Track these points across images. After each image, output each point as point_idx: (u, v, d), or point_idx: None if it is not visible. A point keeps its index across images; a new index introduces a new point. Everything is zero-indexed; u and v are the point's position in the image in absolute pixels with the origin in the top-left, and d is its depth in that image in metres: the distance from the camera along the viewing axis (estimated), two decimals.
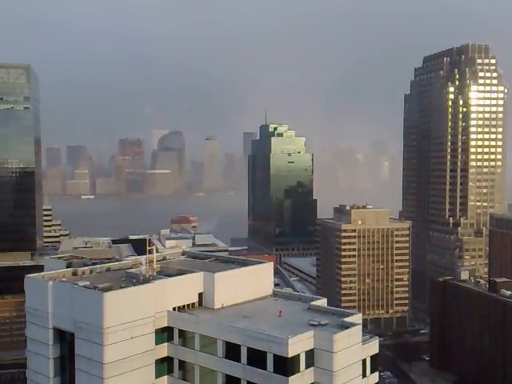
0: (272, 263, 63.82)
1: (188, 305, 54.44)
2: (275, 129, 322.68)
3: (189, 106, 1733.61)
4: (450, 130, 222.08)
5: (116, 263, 64.28)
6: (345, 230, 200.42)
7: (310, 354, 46.01)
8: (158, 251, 64.11)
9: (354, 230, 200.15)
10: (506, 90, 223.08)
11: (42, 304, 52.31)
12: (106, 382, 47.68)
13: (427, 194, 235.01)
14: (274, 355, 45.30)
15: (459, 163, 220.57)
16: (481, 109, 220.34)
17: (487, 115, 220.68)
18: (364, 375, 49.23)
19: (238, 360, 47.87)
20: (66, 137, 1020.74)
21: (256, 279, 59.17)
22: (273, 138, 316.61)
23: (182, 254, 70.60)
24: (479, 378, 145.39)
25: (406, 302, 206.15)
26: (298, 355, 45.26)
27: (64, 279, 55.41)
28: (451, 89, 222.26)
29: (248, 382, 47.52)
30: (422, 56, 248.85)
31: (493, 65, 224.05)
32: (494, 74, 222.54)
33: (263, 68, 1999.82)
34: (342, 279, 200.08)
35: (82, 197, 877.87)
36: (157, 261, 59.75)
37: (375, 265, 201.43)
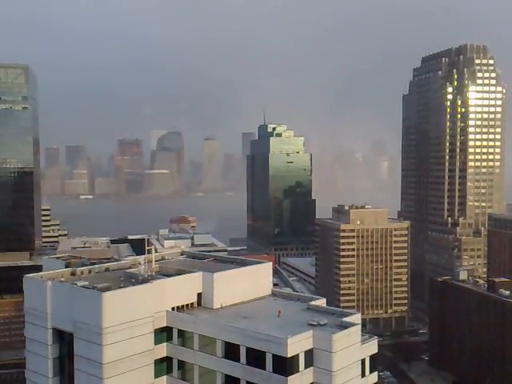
0: (271, 263, 63.82)
1: (187, 305, 54.41)
2: (274, 129, 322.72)
3: (188, 107, 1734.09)
4: (448, 130, 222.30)
5: (115, 263, 64.19)
6: (344, 230, 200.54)
7: (309, 354, 46.00)
8: (156, 251, 64.17)
9: (352, 230, 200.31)
10: (504, 91, 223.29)
11: (41, 304, 52.24)
12: (105, 382, 47.64)
13: (426, 194, 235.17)
14: (273, 355, 45.29)
15: (458, 163, 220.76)
16: (479, 109, 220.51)
17: (485, 115, 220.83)
18: (363, 375, 49.23)
19: (238, 360, 47.86)
20: (64, 137, 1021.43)
21: (255, 279, 59.17)
22: (271, 138, 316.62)
23: (181, 254, 70.56)
24: (478, 377, 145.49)
25: (405, 301, 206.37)
26: (297, 355, 45.26)
27: (63, 279, 55.31)
28: (450, 89, 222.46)
29: (247, 381, 47.51)
30: (420, 56, 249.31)
31: (491, 65, 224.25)
32: (493, 75, 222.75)
33: (262, 68, 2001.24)
34: (341, 279, 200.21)
35: (81, 197, 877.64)
36: (155, 261, 59.73)
37: (374, 265, 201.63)
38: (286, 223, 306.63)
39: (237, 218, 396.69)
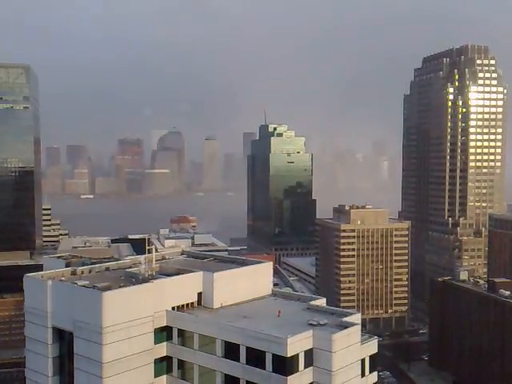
0: (271, 263, 63.83)
1: (187, 304, 54.44)
2: (275, 129, 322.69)
3: (188, 107, 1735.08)
4: (449, 130, 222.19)
5: (115, 263, 64.22)
6: (344, 230, 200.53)
7: (308, 354, 46.02)
8: (157, 251, 64.17)
9: (353, 230, 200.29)
10: (505, 91, 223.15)
11: (41, 303, 52.29)
12: (104, 382, 47.68)
13: (426, 194, 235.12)
14: (273, 355, 45.31)
15: (458, 163, 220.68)
16: (480, 109, 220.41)
17: (486, 116, 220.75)
18: (363, 375, 49.24)
19: (237, 359, 47.88)
20: (65, 136, 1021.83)
21: (255, 279, 59.19)
22: (272, 138, 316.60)
23: (181, 254, 70.59)
24: (478, 377, 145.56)
25: (405, 301, 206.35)
26: (297, 355, 45.28)
27: (63, 278, 55.36)
28: (451, 89, 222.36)
29: (247, 381, 47.53)
30: (421, 57, 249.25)
31: (492, 65, 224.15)
32: (494, 75, 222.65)
33: (263, 69, 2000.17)
34: (341, 279, 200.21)
35: (82, 196, 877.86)
36: (156, 260, 59.76)
37: (374, 265, 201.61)
38: (286, 223, 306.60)
39: (237, 218, 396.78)
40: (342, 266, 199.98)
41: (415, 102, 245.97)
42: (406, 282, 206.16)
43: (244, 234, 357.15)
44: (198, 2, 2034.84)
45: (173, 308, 53.09)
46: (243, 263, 62.75)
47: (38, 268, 67.58)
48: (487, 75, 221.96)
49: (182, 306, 54.08)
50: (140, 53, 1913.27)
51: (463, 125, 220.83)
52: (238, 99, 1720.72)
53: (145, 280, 53.38)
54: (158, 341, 51.60)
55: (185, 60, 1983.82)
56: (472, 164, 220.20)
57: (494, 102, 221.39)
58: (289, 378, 44.78)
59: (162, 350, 52.45)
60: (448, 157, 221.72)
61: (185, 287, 54.28)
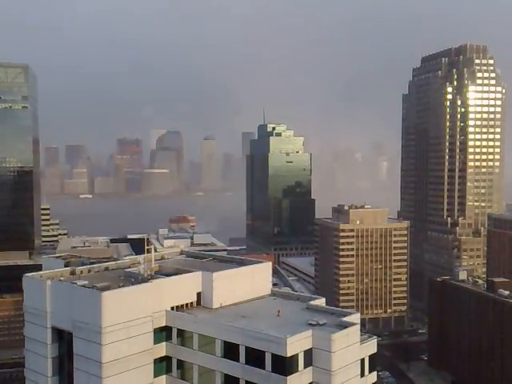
0: (270, 263, 63.80)
1: (186, 304, 54.43)
2: (273, 128, 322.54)
3: (187, 107, 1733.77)
4: (448, 130, 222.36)
5: (114, 262, 64.18)
6: (343, 230, 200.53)
7: (308, 354, 46.02)
8: (156, 251, 64.24)
9: (352, 230, 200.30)
10: (503, 91, 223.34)
11: (40, 303, 52.25)
12: (104, 382, 47.65)
13: (425, 193, 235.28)
14: (273, 355, 45.31)
15: (457, 163, 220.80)
16: (479, 109, 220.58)
17: (485, 115, 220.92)
18: (362, 375, 49.24)
19: (237, 359, 47.88)
20: (64, 136, 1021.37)
21: (254, 279, 59.17)
22: (271, 138, 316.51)
23: (181, 254, 70.57)
24: (477, 377, 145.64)
25: (405, 301, 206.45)
26: (297, 355, 45.28)
27: (62, 278, 55.31)
28: (449, 89, 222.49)
29: (246, 381, 47.53)
30: (420, 56, 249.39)
31: (491, 65, 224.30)
32: (492, 75, 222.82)
33: (262, 69, 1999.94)
34: (341, 279, 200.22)
35: (81, 196, 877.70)
36: (155, 260, 59.75)
37: (373, 264, 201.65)
38: (285, 223, 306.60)
39: (236, 218, 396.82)
40: (341, 265, 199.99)
41: (414, 101, 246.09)
42: (405, 282, 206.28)
43: (243, 233, 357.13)
44: (197, 2, 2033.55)
45: (172, 308, 53.06)
46: (242, 263, 62.74)
47: (37, 268, 67.38)
48: (486, 75, 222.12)
49: (182, 305, 54.06)
50: (139, 53, 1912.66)
51: (462, 124, 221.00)
52: (236, 99, 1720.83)
53: (144, 280, 53.35)
54: (157, 341, 51.57)
55: (183, 60, 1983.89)
56: (471, 164, 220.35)
57: (492, 102, 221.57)
58: (288, 377, 44.78)
59: (162, 349, 52.43)
60: (447, 156, 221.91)
61: (184, 287, 54.27)
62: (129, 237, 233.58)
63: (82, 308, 49.19)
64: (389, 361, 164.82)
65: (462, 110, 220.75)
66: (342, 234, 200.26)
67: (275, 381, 45.28)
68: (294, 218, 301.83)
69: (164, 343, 52.56)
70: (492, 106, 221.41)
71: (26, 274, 56.18)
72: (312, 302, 55.57)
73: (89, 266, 60.72)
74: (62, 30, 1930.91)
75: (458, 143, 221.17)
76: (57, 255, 79.66)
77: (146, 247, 59.50)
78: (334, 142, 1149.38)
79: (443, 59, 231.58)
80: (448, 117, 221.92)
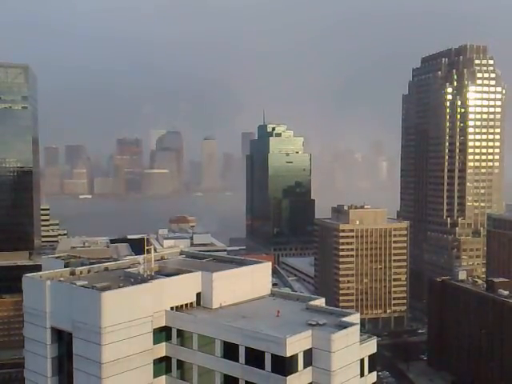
0: (270, 263, 63.86)
1: (186, 304, 54.46)
2: (273, 129, 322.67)
3: (187, 107, 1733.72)
4: (447, 130, 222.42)
5: (114, 263, 64.22)
6: (343, 230, 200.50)
7: (308, 354, 46.05)
8: (156, 251, 64.23)
9: (351, 230, 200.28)
10: (503, 91, 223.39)
11: (40, 303, 52.25)
12: (103, 382, 47.68)
13: (425, 194, 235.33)
14: (272, 355, 45.34)
15: (457, 163, 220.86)
16: (479, 109, 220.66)
17: (485, 116, 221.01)
18: (362, 375, 49.30)
19: (236, 360, 47.90)
20: (64, 136, 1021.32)
21: (254, 279, 59.20)
22: (271, 138, 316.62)
23: (180, 254, 70.56)
24: (477, 377, 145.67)
25: (404, 301, 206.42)
26: (296, 355, 45.31)
27: (62, 279, 55.32)
28: (449, 89, 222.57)
29: (246, 381, 47.56)
30: (420, 57, 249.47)
31: (491, 65, 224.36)
32: (492, 75, 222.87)
33: (261, 69, 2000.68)
34: (340, 279, 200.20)
35: (80, 196, 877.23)
36: (155, 260, 59.77)
37: (373, 264, 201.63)
38: (285, 223, 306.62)
39: (236, 218, 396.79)
40: (340, 265, 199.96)
41: (414, 102, 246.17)
42: (405, 282, 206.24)
43: (243, 234, 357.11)
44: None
45: (172, 308, 53.09)
46: (242, 263, 62.77)
47: (37, 268, 67.47)
48: (486, 75, 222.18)
49: (181, 306, 54.10)
50: (139, 52, 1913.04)
51: (462, 125, 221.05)
52: (236, 99, 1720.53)
53: (144, 280, 53.36)
54: (157, 341, 51.59)
55: (183, 59, 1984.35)
56: (470, 164, 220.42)
57: (492, 102, 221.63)
58: (288, 377, 44.82)
59: (161, 350, 52.45)
60: (446, 157, 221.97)
61: (184, 287, 54.28)
62: (128, 237, 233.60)
63: (82, 308, 49.20)
64: (388, 361, 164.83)
65: (462, 110, 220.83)
66: (341, 234, 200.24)
67: (275, 381, 45.31)
68: (293, 218, 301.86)
69: (164, 343, 52.57)
70: (492, 106, 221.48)
71: (26, 275, 56.21)
72: (312, 302, 55.59)
73: (88, 267, 60.74)
74: (62, 28, 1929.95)
75: (458, 143, 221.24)
76: (56, 255, 79.76)
77: (146, 247, 59.52)
78: (333, 142, 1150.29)
79: (443, 59, 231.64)
80: (448, 117, 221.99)
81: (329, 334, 45.94)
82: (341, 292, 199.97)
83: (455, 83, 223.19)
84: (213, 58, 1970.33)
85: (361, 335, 49.40)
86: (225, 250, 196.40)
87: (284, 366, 44.84)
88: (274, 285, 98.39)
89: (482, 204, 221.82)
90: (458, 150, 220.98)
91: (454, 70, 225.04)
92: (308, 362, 46.13)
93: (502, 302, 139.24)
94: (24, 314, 55.12)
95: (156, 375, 51.78)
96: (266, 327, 47.64)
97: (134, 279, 54.37)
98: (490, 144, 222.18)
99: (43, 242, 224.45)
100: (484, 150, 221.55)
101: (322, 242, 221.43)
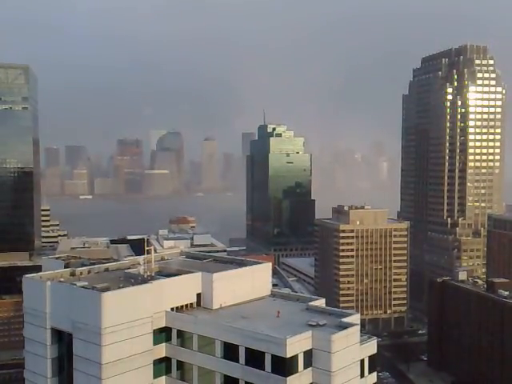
0: (270, 263, 63.79)
1: (186, 305, 54.42)
2: (274, 129, 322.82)
3: (187, 107, 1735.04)
4: (448, 130, 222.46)
5: (114, 263, 64.20)
6: (343, 231, 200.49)
7: (308, 355, 46.02)
8: (156, 251, 64.19)
9: (352, 231, 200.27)
10: (504, 91, 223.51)
11: (40, 304, 52.23)
12: (103, 383, 47.62)
13: (425, 194, 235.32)
14: (272, 355, 45.31)
15: (457, 164, 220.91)
16: (479, 109, 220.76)
17: (485, 116, 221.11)
18: (362, 375, 49.24)
19: (237, 360, 47.87)
20: (64, 137, 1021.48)
21: (254, 279, 59.15)
22: (271, 139, 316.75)
23: (180, 255, 70.56)
24: (477, 378, 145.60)
25: (404, 302, 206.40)
26: (296, 355, 45.28)
27: (62, 279, 55.29)
28: (449, 89, 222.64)
29: (246, 382, 47.52)
30: (420, 57, 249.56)
31: (491, 66, 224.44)
32: (493, 75, 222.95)
33: (262, 68, 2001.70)
34: (341, 279, 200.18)
35: (81, 197, 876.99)
36: (155, 261, 59.74)
37: (373, 265, 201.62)
38: (285, 223, 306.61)
39: (236, 218, 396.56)
40: (341, 266, 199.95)
41: (414, 102, 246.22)
42: (405, 283, 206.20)
43: (243, 234, 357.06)
44: None
45: (172, 309, 53.05)
46: (242, 264, 62.75)
47: (37, 269, 67.40)
48: (486, 75, 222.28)
49: (181, 306, 54.05)
50: (138, 51, 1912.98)
51: (462, 125, 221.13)
52: (236, 98, 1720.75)
53: (144, 281, 53.35)
54: (157, 342, 51.54)
55: (183, 57, 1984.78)
56: (471, 164, 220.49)
57: (492, 103, 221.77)
58: (288, 378, 44.78)
59: (161, 350, 52.40)
60: (447, 157, 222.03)
61: (184, 288, 54.25)
62: (129, 238, 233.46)
63: (82, 309, 49.18)
64: (389, 361, 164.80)
65: (462, 110, 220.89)
66: (341, 234, 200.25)
67: (275, 381, 45.27)
68: (294, 219, 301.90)
69: (164, 344, 52.51)
70: (492, 106, 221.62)
71: (26, 275, 56.18)
72: (312, 303, 55.56)
73: (89, 267, 60.71)
74: (61, 28, 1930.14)
75: (458, 144, 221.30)
76: (57, 256, 79.72)
77: (146, 248, 59.49)
78: (334, 142, 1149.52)
79: (443, 60, 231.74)
80: (448, 117, 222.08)
81: (329, 334, 45.91)
82: (341, 292, 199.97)
83: (455, 83, 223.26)
84: (212, 56, 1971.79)
85: (361, 336, 49.35)
86: (225, 251, 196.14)
87: (284, 366, 44.81)
88: (274, 285, 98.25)
89: (483, 204, 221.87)
90: (458, 150, 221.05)
91: (455, 70, 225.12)
92: (308, 363, 46.09)
93: (502, 303, 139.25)
94: (24, 314, 55.09)
95: (156, 376, 51.72)
96: (266, 328, 47.61)
97: (134, 280, 54.35)
98: (491, 144, 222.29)
99: (43, 242, 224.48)
100: (484, 150, 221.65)
101: (322, 242, 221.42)
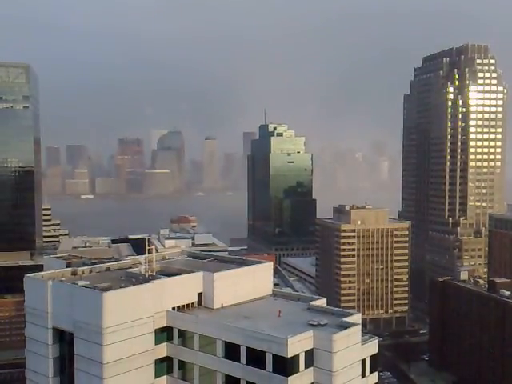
0: (271, 263, 63.80)
1: (187, 305, 54.45)
2: (275, 129, 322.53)
3: (188, 106, 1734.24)
4: (449, 130, 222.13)
5: (115, 263, 64.24)
6: (344, 230, 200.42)
7: (309, 354, 46.02)
8: (157, 251, 64.19)
9: (353, 230, 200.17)
10: (505, 91, 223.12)
11: (42, 304, 52.28)
12: (105, 382, 47.67)
13: (427, 194, 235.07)
14: (274, 355, 45.31)
15: (459, 163, 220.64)
16: (480, 109, 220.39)
17: (486, 115, 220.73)
18: (363, 375, 49.25)
19: (238, 360, 47.87)
20: (65, 136, 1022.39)
21: (255, 279, 59.17)
22: (272, 138, 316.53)
23: (182, 254, 70.61)
24: (478, 378, 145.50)
25: (406, 302, 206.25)
26: (298, 355, 45.28)
27: (63, 279, 55.37)
28: (451, 89, 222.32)
29: (247, 381, 47.53)
30: (421, 56, 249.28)
31: (492, 65, 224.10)
32: (494, 75, 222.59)
33: (263, 68, 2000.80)
34: (342, 279, 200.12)
35: (82, 196, 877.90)
36: (156, 260, 59.73)
37: (374, 265, 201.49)
38: (286, 223, 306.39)
39: (237, 218, 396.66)
40: (342, 266, 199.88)
41: (415, 101, 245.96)
42: (407, 282, 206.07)
43: (244, 233, 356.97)
44: None
45: (173, 308, 53.08)
46: (243, 263, 62.74)
47: (39, 268, 67.73)
48: (487, 75, 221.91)
49: (183, 306, 54.09)
50: (139, 51, 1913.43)
51: (463, 124, 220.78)
52: (238, 98, 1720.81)
53: (145, 280, 53.38)
54: (158, 341, 51.60)
55: (184, 57, 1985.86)
56: (472, 164, 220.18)
57: (493, 102, 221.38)
58: (289, 378, 44.78)
59: (163, 350, 52.44)
60: (448, 156, 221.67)
61: (185, 287, 54.27)
62: (130, 237, 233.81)
63: (83, 308, 49.21)
64: (390, 361, 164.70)
65: (464, 109, 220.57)
66: (343, 234, 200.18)
67: (276, 381, 45.27)
68: (295, 218, 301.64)
69: (165, 344, 52.56)
70: (493, 105, 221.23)
71: (28, 275, 56.27)
72: (313, 303, 55.56)
73: (90, 267, 60.78)
74: (62, 26, 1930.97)
75: (460, 143, 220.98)
76: (58, 256, 79.94)
77: (147, 247, 59.52)
78: (335, 141, 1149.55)
79: (444, 59, 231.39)
80: (449, 117, 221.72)
81: (330, 334, 45.90)
82: (342, 292, 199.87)
83: (457, 83, 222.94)
84: (213, 55, 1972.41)
85: (362, 335, 49.33)
86: (226, 250, 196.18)
87: (285, 366, 44.80)
88: (276, 285, 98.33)
89: (484, 204, 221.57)
90: (459, 150, 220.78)
91: (456, 70, 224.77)
92: (309, 363, 46.09)
93: (503, 303, 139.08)
94: (25, 314, 55.14)
95: (157, 375, 51.79)
96: (267, 327, 47.61)
97: (136, 279, 54.39)
98: (492, 144, 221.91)
99: (45, 242, 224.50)
100: (486, 150, 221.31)
101: (323, 242, 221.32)
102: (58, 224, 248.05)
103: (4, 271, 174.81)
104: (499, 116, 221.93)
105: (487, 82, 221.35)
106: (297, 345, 45.05)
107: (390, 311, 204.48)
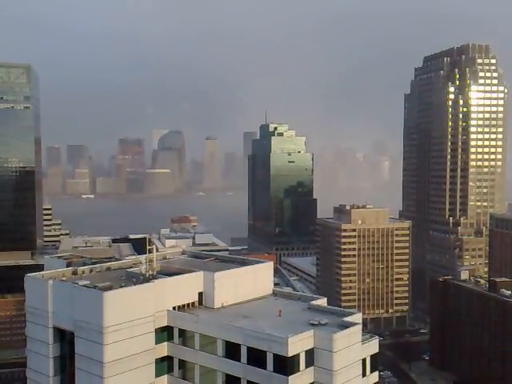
0: (272, 263, 63.86)
1: (188, 304, 54.49)
2: (275, 128, 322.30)
3: (189, 106, 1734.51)
4: (450, 129, 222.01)
5: (116, 262, 64.32)
6: (345, 230, 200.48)
7: (309, 354, 46.03)
8: (158, 250, 64.23)
9: (353, 230, 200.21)
10: (506, 90, 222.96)
11: (42, 303, 52.34)
12: (105, 381, 47.72)
13: (427, 193, 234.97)
14: (274, 354, 45.33)
15: (459, 163, 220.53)
16: (481, 109, 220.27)
17: (487, 115, 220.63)
18: (364, 374, 49.26)
19: (238, 359, 47.90)
20: (66, 136, 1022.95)
21: (256, 279, 59.19)
22: (273, 138, 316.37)
23: (182, 254, 70.66)
24: (479, 377, 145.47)
25: (406, 301, 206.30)
26: (298, 354, 45.29)
27: (64, 278, 55.44)
28: (451, 89, 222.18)
29: (248, 381, 47.56)
30: (422, 56, 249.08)
31: (493, 65, 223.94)
32: (495, 74, 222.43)
33: (263, 68, 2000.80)
34: (342, 279, 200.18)
35: (82, 196, 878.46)
36: (157, 260, 59.77)
37: (375, 264, 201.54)
38: (287, 223, 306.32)
39: (238, 218, 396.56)
40: (342, 265, 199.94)
41: (416, 101, 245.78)
42: (407, 282, 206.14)
43: (245, 233, 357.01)
44: None
45: (174, 308, 53.13)
46: (244, 263, 62.76)
47: (39, 268, 67.63)
48: (488, 74, 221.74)
49: (183, 305, 54.13)
50: (140, 51, 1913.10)
51: (464, 124, 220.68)
52: (238, 98, 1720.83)
53: (146, 280, 53.41)
54: (158, 341, 51.64)
55: (185, 57, 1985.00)
56: (473, 163, 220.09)
57: (494, 102, 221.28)
58: (290, 377, 44.79)
59: (163, 349, 52.48)
60: (449, 156, 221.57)
61: (186, 287, 54.31)
62: (130, 237, 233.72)
63: (84, 308, 49.26)
64: (390, 361, 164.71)
65: (464, 109, 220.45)
66: (343, 233, 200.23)
67: (277, 381, 45.29)
68: (295, 218, 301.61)
69: (165, 343, 52.61)
70: (494, 105, 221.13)
71: (28, 274, 56.32)
72: (313, 302, 55.57)
73: (91, 266, 60.83)
74: (62, 27, 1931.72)
75: (460, 143, 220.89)
76: (59, 255, 79.85)
77: (148, 247, 59.54)
78: (335, 141, 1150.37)
79: (445, 59, 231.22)
80: (450, 116, 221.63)
81: (331, 333, 45.91)
82: (343, 292, 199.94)
83: (457, 82, 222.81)
84: (214, 55, 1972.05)
85: (363, 335, 49.33)
86: (227, 250, 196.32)
87: (286, 365, 44.82)
88: (276, 284, 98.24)
89: (485, 204, 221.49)
90: (460, 150, 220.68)
91: (457, 70, 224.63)
92: (310, 362, 46.10)
93: (504, 302, 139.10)
94: (26, 313, 55.22)
95: (158, 375, 51.82)
96: (267, 327, 47.63)
97: (136, 279, 54.43)
98: (493, 143, 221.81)
99: (45, 241, 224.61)
100: (486, 150, 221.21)
101: (323, 241, 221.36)
102: (59, 224, 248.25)
103: (5, 271, 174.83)
104: (500, 116, 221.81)
105: (488, 81, 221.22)
106: (297, 344, 45.05)
107: (390, 311, 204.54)
